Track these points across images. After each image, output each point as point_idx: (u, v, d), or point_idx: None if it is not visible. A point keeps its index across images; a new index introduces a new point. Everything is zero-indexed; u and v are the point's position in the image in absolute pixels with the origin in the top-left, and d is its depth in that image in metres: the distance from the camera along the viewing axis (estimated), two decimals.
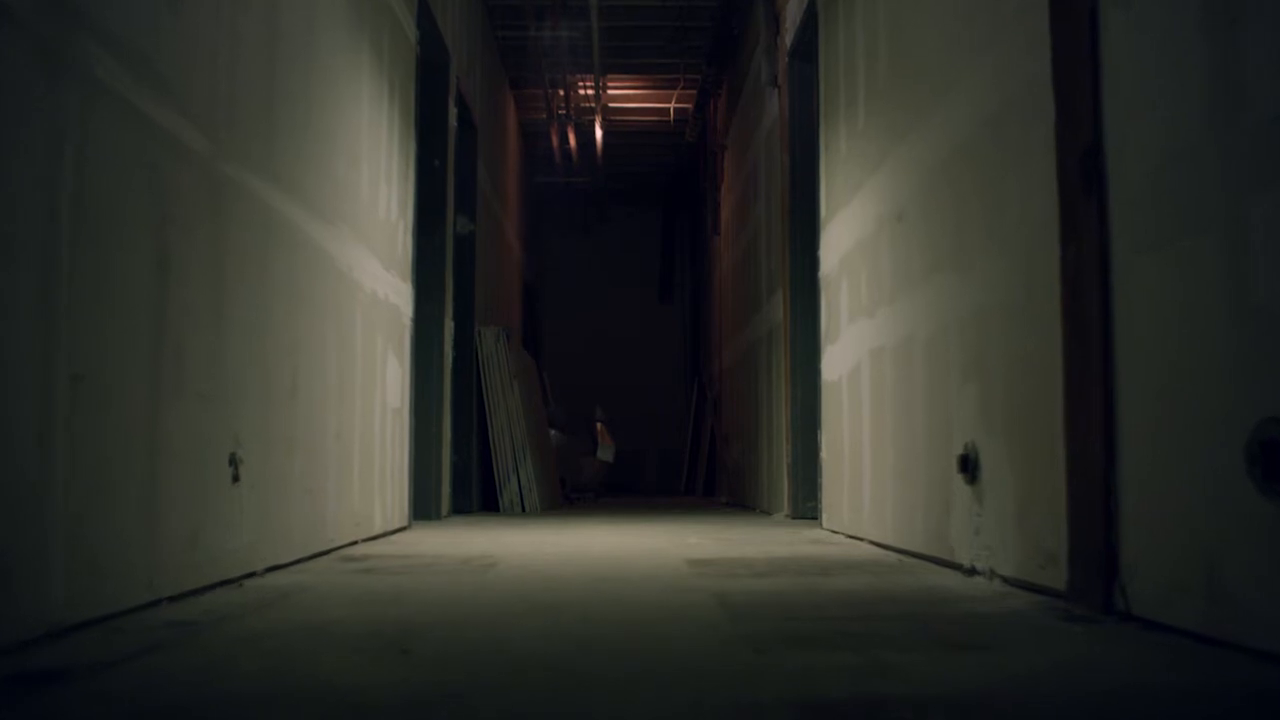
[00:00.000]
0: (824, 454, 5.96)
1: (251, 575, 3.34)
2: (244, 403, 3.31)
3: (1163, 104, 2.27)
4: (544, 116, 12.31)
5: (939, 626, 2.38)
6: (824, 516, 5.91)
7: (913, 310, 4.10)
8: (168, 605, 2.68)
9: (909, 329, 4.15)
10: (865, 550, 4.47)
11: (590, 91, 11.73)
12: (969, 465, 3.40)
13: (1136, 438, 2.37)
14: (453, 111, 7.44)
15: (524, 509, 8.50)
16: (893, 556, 4.12)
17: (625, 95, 12.37)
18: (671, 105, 12.65)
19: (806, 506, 6.82)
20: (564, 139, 12.84)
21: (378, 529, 5.15)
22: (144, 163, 2.65)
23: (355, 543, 4.69)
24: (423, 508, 6.67)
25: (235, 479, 3.22)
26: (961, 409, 3.52)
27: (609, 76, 11.56)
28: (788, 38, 7.25)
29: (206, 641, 2.20)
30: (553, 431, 11.27)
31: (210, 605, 2.72)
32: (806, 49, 6.84)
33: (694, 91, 12.08)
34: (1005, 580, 3.12)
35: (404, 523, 5.80)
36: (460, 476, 7.87)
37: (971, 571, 3.38)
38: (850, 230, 5.23)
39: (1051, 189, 2.78)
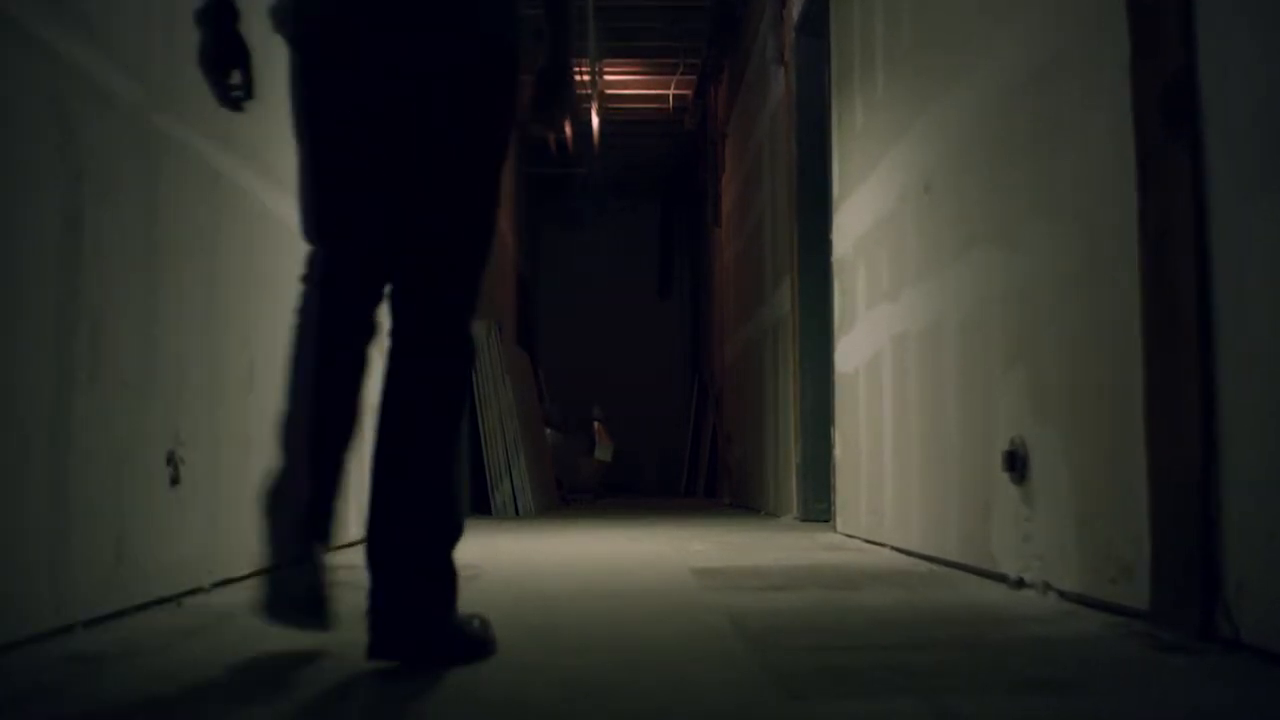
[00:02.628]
0: (838, 452, 5.54)
1: (197, 591, 2.91)
2: (187, 394, 2.89)
3: None
4: None
5: (1006, 657, 1.95)
6: (838, 520, 5.49)
7: (943, 290, 3.68)
8: (82, 632, 2.25)
9: (939, 311, 3.73)
10: (889, 558, 4.05)
11: (586, 77, 11.31)
12: (1016, 462, 2.98)
13: (1247, 426, 1.94)
14: None
15: (518, 511, 8.09)
16: (922, 565, 3.69)
17: (622, 81, 11.95)
18: (670, 92, 12.23)
19: (817, 509, 6.40)
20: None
21: (354, 535, 4.71)
22: (48, 103, 2.22)
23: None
24: None
25: (174, 481, 2.80)
26: (1006, 398, 3.09)
27: (605, 61, 11.14)
28: (794, 11, 6.84)
29: (102, 684, 1.77)
30: (549, 431, 10.85)
31: (132, 631, 2.29)
32: (814, 23, 6.42)
33: (694, 77, 11.67)
34: (1063, 595, 2.69)
35: None
36: None
37: (1019, 584, 2.95)
38: (868, 208, 4.81)
39: (1121, 135, 2.35)
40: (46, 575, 2.19)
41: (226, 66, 2.06)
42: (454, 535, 2.01)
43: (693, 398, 14.27)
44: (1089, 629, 2.24)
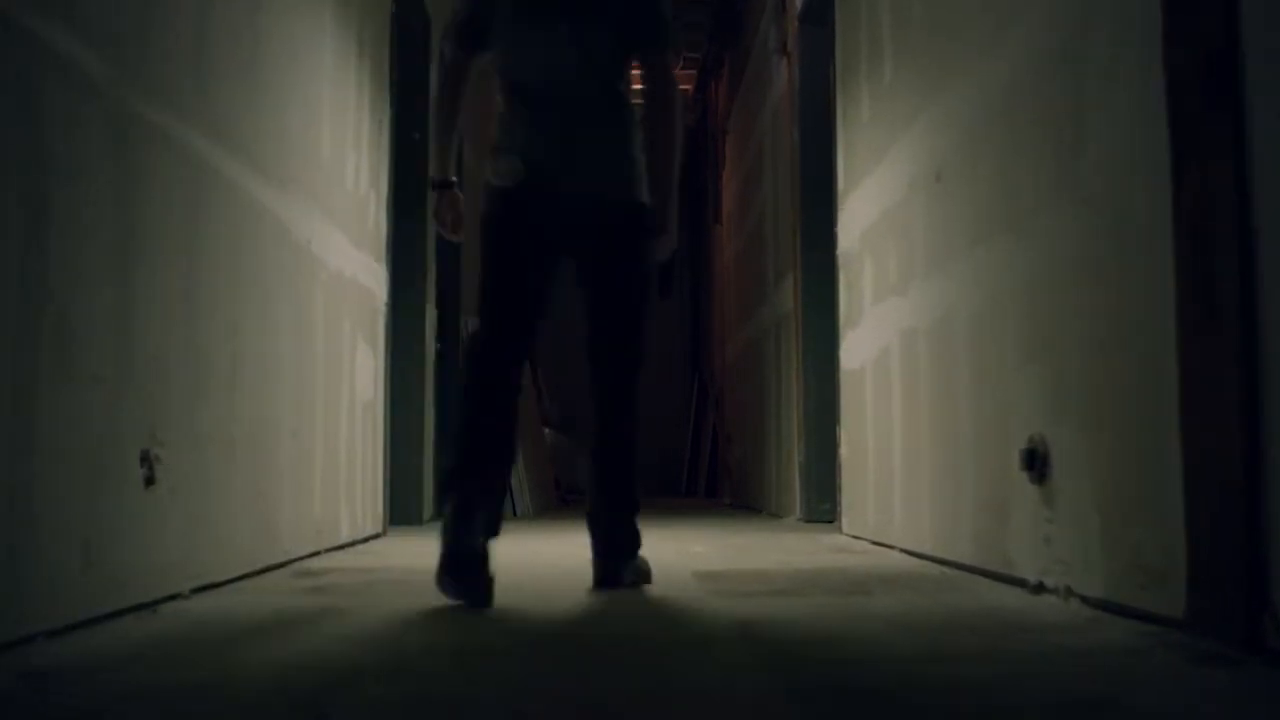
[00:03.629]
0: (843, 451, 5.39)
1: (175, 598, 2.77)
2: (164, 390, 2.74)
3: None
4: None
5: (1035, 671, 1.81)
6: (844, 521, 5.35)
7: (955, 283, 3.54)
8: (43, 644, 2.11)
9: (950, 305, 3.59)
10: (898, 560, 3.91)
11: None
12: (1035, 461, 2.84)
13: None
14: (435, 82, 6.87)
15: (515, 512, 7.95)
16: (934, 568, 3.55)
17: None
18: None
19: (821, 509, 6.25)
20: None
21: (345, 537, 4.58)
22: (11, 80, 2.08)
23: (317, 554, 4.12)
24: (402, 512, 6.09)
25: (149, 481, 2.65)
26: (1023, 394, 2.95)
27: None
28: (797, 0, 6.69)
29: (46, 705, 1.63)
30: (547, 430, 10.71)
31: (97, 644, 2.15)
32: (819, 11, 6.28)
33: (694, 72, 11.52)
34: (1086, 601, 2.55)
35: (378, 529, 5.23)
36: None
37: (1039, 588, 2.81)
38: (875, 200, 4.66)
39: (1150, 112, 2.21)
40: (7, 582, 2.05)
41: (447, 211, 3.19)
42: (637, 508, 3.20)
43: (693, 397, 14.11)
44: (1119, 638, 2.10)
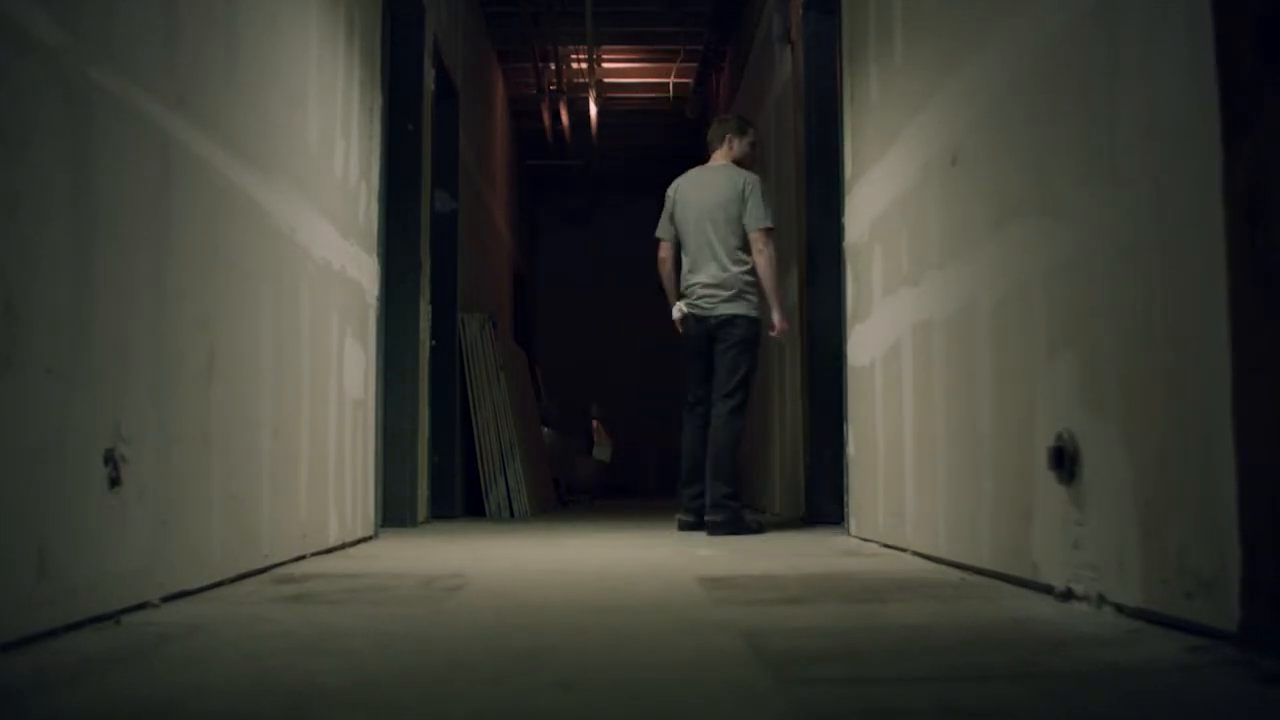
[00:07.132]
0: (851, 450, 5.20)
1: (143, 607, 2.58)
2: (130, 385, 2.55)
3: None
4: (534, 93, 11.54)
5: (1081, 692, 1.62)
6: (852, 522, 5.16)
7: (974, 271, 3.35)
8: None
9: (969, 295, 3.39)
10: (912, 564, 3.72)
11: (583, 65, 10.96)
12: (1064, 459, 2.65)
13: None
14: (429, 72, 6.67)
15: (513, 513, 7.76)
16: (951, 573, 3.36)
17: (621, 70, 11.59)
18: (671, 80, 11.88)
19: (827, 510, 6.06)
20: (555, 117, 12.06)
21: (333, 540, 4.38)
22: None
23: (302, 558, 3.93)
24: (395, 513, 5.91)
25: (115, 482, 2.46)
26: (1051, 388, 2.76)
27: (603, 48, 10.79)
28: None
29: None
30: (546, 430, 10.52)
31: (45, 660, 1.96)
32: None
33: (695, 64, 11.32)
34: (1121, 610, 2.36)
35: (369, 532, 5.03)
36: (441, 477, 7.10)
37: (1067, 595, 2.62)
38: (885, 187, 4.47)
39: (1198, 77, 2.03)
40: None
41: (680, 321, 5.89)
42: (736, 487, 5.63)
43: None
44: (1167, 653, 1.91)
